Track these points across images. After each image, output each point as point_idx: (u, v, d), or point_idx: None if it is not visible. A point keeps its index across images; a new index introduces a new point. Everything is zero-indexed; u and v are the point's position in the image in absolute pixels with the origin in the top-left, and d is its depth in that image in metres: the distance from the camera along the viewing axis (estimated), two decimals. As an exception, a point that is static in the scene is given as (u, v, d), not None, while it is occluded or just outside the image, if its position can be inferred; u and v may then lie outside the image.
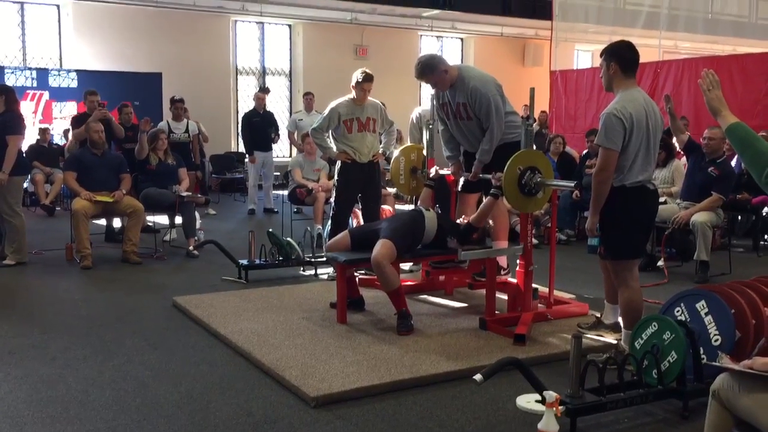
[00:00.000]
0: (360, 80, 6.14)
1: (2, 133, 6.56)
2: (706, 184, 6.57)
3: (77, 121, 8.15)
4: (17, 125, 6.73)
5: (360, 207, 6.72)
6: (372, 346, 4.37)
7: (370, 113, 6.30)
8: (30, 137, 10.32)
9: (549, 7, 13.65)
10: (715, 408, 2.56)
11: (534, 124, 12.12)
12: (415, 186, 6.02)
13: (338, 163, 6.39)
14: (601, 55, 4.21)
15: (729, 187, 6.74)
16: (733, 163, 8.58)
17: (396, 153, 6.14)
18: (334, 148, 6.36)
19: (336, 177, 6.46)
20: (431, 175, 5.74)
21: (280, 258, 6.40)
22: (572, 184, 4.71)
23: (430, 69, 5.08)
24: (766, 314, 3.58)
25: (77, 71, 11.98)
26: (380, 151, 6.52)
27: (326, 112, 6.36)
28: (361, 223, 6.65)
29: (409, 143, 6.64)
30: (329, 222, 6.71)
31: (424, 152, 5.96)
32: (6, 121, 6.61)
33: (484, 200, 4.97)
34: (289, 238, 6.58)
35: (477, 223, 4.92)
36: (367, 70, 6.20)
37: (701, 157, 6.66)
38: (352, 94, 6.23)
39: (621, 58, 4.09)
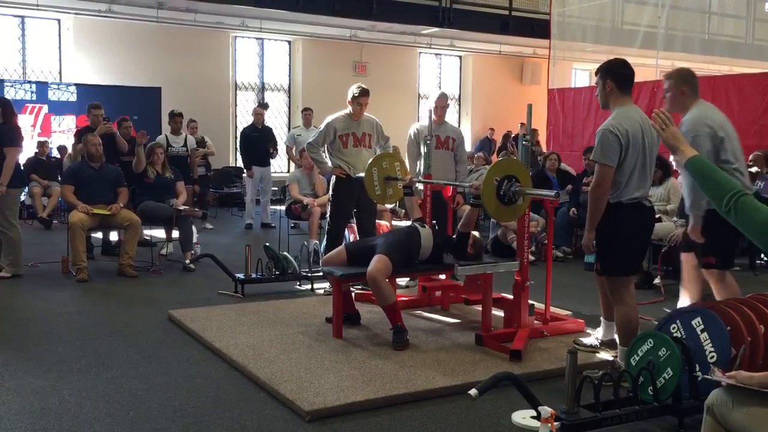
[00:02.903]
0: (356, 95, 6.16)
1: (0, 145, 6.58)
2: (704, 202, 6.58)
3: (82, 134, 8.16)
4: (15, 137, 6.75)
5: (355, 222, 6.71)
6: (367, 360, 4.36)
7: (365, 128, 6.31)
8: (28, 150, 10.33)
9: (547, 26, 13.74)
10: (710, 424, 2.56)
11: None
12: (392, 194, 6.02)
13: (332, 179, 6.39)
14: (596, 74, 4.24)
15: None
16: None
17: (369, 162, 6.14)
18: (329, 163, 6.37)
19: (330, 192, 6.46)
20: (405, 183, 5.77)
21: (277, 272, 6.40)
22: (552, 193, 4.69)
23: (681, 79, 4.35)
24: (761, 331, 3.58)
25: (77, 85, 12.03)
26: None
27: (322, 126, 6.38)
28: (357, 238, 6.64)
29: (407, 159, 6.66)
30: (325, 237, 6.71)
31: (420, 166, 5.97)
32: (4, 133, 6.63)
33: (468, 210, 4.99)
34: (285, 253, 6.58)
35: (464, 229, 4.92)
36: (363, 85, 6.22)
37: None
38: (348, 109, 6.25)
39: (617, 75, 4.12)
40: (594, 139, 4.18)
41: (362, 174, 6.09)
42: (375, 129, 6.37)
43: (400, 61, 16.06)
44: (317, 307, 5.64)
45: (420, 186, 5.98)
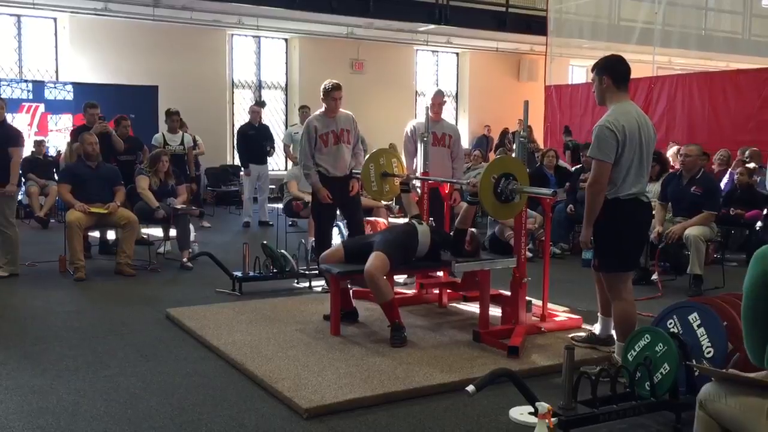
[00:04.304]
0: (328, 89, 6.05)
1: (4, 145, 6.58)
2: (694, 203, 6.57)
3: (78, 133, 8.16)
4: (19, 137, 6.79)
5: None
6: (365, 358, 4.37)
7: (343, 124, 6.21)
8: (26, 149, 10.31)
9: (544, 22, 13.75)
10: (702, 418, 2.57)
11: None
12: (389, 190, 5.99)
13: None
14: (592, 70, 4.24)
15: (717, 202, 6.74)
16: (726, 179, 8.64)
17: (366, 158, 6.05)
18: (318, 182, 6.15)
19: (311, 193, 6.40)
20: (402, 179, 5.75)
21: (274, 270, 6.39)
22: (550, 191, 4.70)
23: None
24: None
25: (73, 84, 11.99)
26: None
27: (303, 133, 6.22)
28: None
29: (403, 156, 6.65)
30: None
31: (420, 164, 5.95)
32: (8, 132, 6.65)
33: (465, 207, 4.97)
34: (283, 251, 6.58)
35: (461, 226, 4.92)
36: (334, 80, 6.13)
37: (678, 179, 6.67)
38: (323, 108, 6.15)
39: (613, 71, 4.12)
40: (591, 136, 4.18)
41: (340, 173, 6.08)
42: (352, 124, 6.28)
43: (397, 59, 16.04)
44: (315, 304, 5.64)
45: (417, 183, 5.97)
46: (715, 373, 2.65)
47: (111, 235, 7.96)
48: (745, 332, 2.56)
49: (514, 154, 5.49)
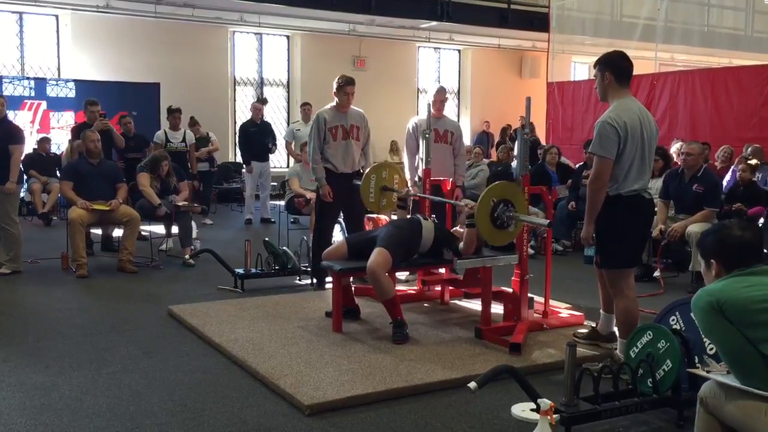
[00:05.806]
0: (342, 84, 6.04)
1: (4, 142, 6.59)
2: (696, 200, 6.55)
3: (78, 131, 8.16)
4: (20, 135, 6.80)
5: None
6: (367, 354, 4.37)
7: (354, 120, 6.19)
8: (27, 147, 10.31)
9: (546, 19, 13.71)
10: (703, 415, 2.57)
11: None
12: (385, 204, 5.88)
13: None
14: (594, 66, 4.23)
15: (718, 198, 6.72)
16: (728, 176, 8.62)
17: (368, 169, 5.95)
18: (324, 179, 6.14)
19: (318, 189, 6.37)
20: (401, 196, 5.69)
21: (276, 267, 6.40)
22: (546, 222, 4.70)
23: None
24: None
25: (75, 81, 11.99)
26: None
27: (312, 126, 6.19)
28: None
29: (405, 153, 6.64)
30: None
31: (423, 164, 5.93)
32: (9, 130, 6.66)
33: (466, 232, 4.91)
34: (285, 248, 6.58)
35: (465, 252, 4.86)
36: (348, 75, 6.12)
37: (679, 177, 6.64)
38: (335, 102, 6.15)
39: (615, 67, 4.11)
40: (593, 133, 4.17)
41: (348, 170, 6.07)
42: (363, 122, 6.26)
43: (399, 56, 16.03)
44: (317, 301, 5.65)
45: (413, 187, 5.92)
46: (714, 379, 2.62)
47: (115, 232, 7.96)
48: (737, 375, 2.53)
49: (515, 151, 5.47)
